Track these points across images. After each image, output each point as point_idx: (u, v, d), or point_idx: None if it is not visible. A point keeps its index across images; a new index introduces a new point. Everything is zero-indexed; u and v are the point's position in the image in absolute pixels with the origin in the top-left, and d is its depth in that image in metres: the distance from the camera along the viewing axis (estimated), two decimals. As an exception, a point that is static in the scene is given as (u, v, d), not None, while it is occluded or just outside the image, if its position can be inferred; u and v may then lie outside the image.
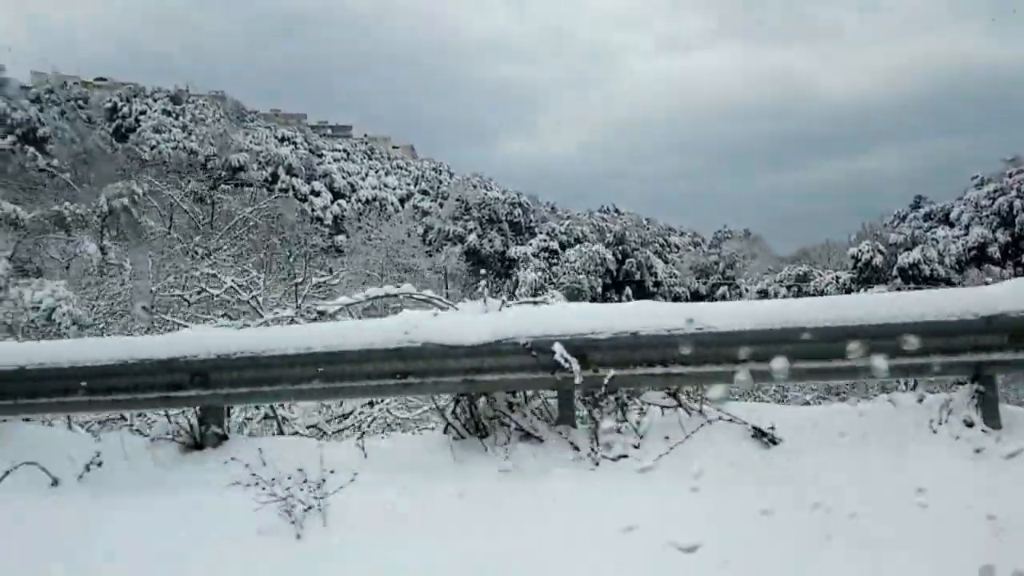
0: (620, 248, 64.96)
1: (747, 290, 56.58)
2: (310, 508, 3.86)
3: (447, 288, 45.11)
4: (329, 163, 68.66)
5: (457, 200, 65.87)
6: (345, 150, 73.93)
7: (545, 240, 63.79)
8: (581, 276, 39.69)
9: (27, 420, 5.40)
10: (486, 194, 66.97)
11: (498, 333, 4.57)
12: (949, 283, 43.65)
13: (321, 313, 5.72)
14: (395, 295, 5.46)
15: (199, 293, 20.18)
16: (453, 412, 4.95)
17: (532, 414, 4.77)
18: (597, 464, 4.37)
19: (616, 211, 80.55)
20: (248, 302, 14.49)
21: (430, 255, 59.58)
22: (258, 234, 27.19)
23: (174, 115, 64.86)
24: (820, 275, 52.78)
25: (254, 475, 3.93)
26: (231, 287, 14.91)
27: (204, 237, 23.91)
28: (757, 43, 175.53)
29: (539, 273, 44.41)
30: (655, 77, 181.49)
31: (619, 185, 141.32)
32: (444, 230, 64.48)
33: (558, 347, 4.38)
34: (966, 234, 53.44)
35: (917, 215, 61.82)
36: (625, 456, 4.39)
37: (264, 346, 4.81)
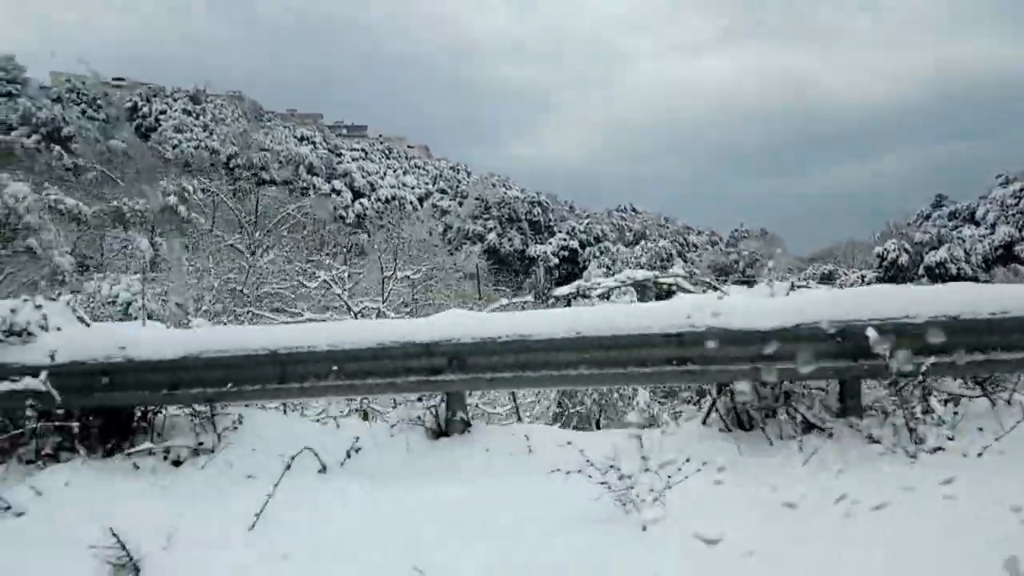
0: (640, 246, 64.90)
1: (768, 290, 56.20)
2: (655, 499, 3.64)
3: (480, 287, 44.96)
4: (348, 162, 68.51)
5: (477, 199, 65.68)
6: (363, 149, 73.74)
7: (565, 239, 63.56)
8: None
9: (246, 405, 5.17)
10: (505, 193, 66.76)
11: (794, 318, 4.34)
12: (976, 282, 43.30)
13: (557, 298, 5.51)
14: (664, 280, 5.25)
15: (257, 289, 20.14)
16: (714, 401, 4.74)
17: (820, 404, 4.55)
18: (914, 457, 4.13)
19: (633, 210, 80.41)
20: (340, 296, 14.35)
21: (451, 253, 59.40)
22: (307, 230, 27.08)
23: (194, 115, 64.67)
24: (846, 274, 52.49)
25: (588, 462, 3.71)
26: (325, 281, 14.77)
27: (264, 233, 23.76)
28: (761, 46, 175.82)
29: (604, 269, 44.07)
30: (660, 79, 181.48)
31: (623, 185, 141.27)
32: (464, 229, 64.30)
33: (872, 332, 4.15)
34: (992, 233, 53.23)
35: (941, 214, 61.58)
36: (941, 449, 4.15)
37: (531, 329, 4.59)
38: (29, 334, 4.94)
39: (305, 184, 61.09)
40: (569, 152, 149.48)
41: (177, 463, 4.84)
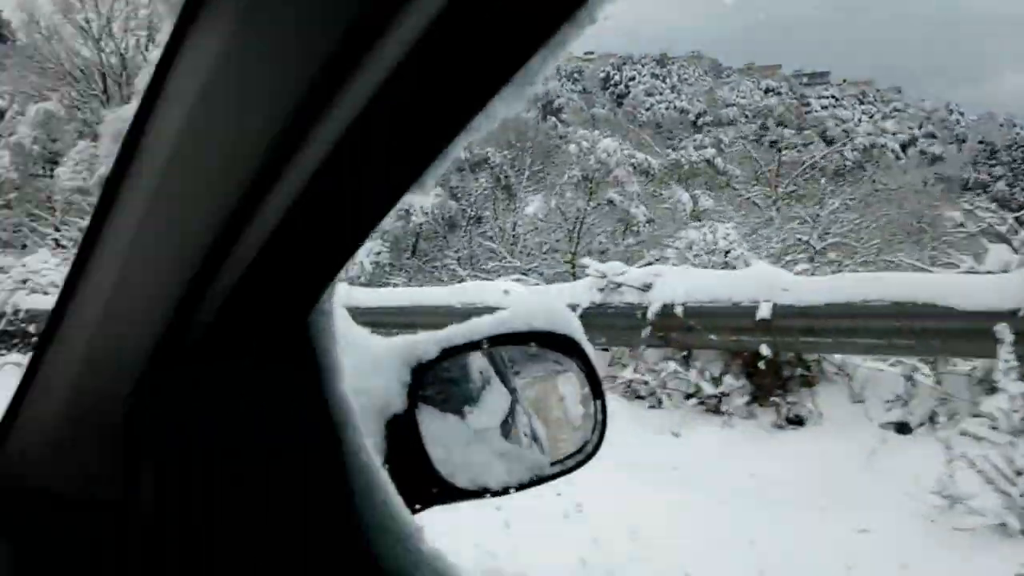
0: None
1: None
2: None
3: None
4: (818, 111, 63.81)
5: (980, 143, 55.94)
6: (833, 96, 67.99)
7: (1109, 184, 50.53)
8: None
9: None
10: (1019, 134, 55.66)
11: None
12: None
13: None
14: None
15: (821, 241, 18.38)
16: None
17: None
18: None
19: None
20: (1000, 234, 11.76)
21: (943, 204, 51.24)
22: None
23: (660, 78, 66.22)
24: None
25: None
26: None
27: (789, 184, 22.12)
28: None
29: None
30: None
31: None
32: (963, 178, 55.39)
33: None
34: None
35: None
36: None
37: None
38: None
39: (773, 136, 58.42)
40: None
41: None
